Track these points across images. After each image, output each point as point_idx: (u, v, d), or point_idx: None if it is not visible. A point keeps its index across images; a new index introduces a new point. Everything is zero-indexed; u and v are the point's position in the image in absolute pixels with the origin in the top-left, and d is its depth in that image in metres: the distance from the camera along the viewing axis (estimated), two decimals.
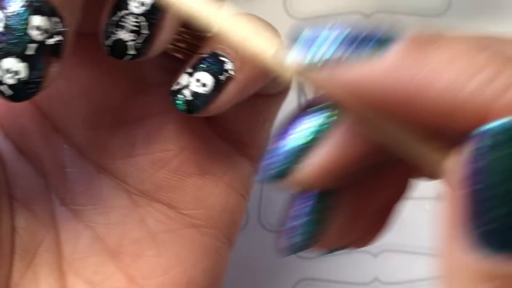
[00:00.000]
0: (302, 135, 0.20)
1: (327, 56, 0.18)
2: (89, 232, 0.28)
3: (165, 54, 0.26)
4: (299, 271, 0.36)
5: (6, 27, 0.22)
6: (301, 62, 0.18)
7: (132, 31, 0.24)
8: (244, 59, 0.26)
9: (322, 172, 0.21)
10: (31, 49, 0.22)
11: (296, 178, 0.21)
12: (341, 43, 0.18)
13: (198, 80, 0.26)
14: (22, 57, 0.22)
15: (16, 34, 0.22)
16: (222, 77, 0.26)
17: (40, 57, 0.22)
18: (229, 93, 0.26)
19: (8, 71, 0.22)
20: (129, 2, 0.24)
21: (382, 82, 0.17)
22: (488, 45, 0.17)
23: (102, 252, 0.28)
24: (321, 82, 0.18)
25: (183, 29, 0.27)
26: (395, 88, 0.17)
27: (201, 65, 0.26)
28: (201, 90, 0.26)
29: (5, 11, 0.22)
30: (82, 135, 0.28)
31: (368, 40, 0.18)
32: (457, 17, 0.41)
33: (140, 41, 0.25)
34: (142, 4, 0.24)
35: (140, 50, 0.25)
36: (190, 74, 0.26)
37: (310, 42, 0.18)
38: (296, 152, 0.21)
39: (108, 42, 0.25)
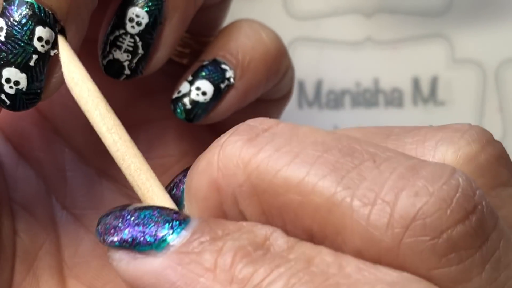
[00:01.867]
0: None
1: (118, 240, 0.19)
2: (90, 237, 0.28)
3: (169, 59, 0.26)
4: None
5: (8, 36, 0.21)
6: (101, 240, 0.20)
7: (128, 51, 0.24)
8: (245, 67, 0.26)
9: None
10: (33, 60, 0.22)
11: None
12: (133, 227, 0.19)
13: (198, 88, 0.26)
14: (23, 68, 0.22)
15: (19, 45, 0.21)
16: (222, 85, 0.26)
17: (42, 69, 0.22)
18: (229, 101, 0.26)
19: (8, 80, 0.22)
20: (125, 22, 0.24)
21: (152, 282, 0.18)
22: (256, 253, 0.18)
23: (103, 256, 0.28)
24: (112, 264, 0.20)
25: (186, 35, 0.27)
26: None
27: (202, 73, 0.26)
28: (201, 98, 0.26)
29: (7, 20, 0.22)
30: (83, 139, 0.28)
31: (156, 226, 0.19)
32: (457, 17, 0.41)
33: (136, 61, 0.25)
34: (138, 24, 0.24)
35: (136, 70, 0.25)
36: (191, 82, 0.26)
37: (111, 220, 0.20)
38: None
39: (105, 61, 0.25)
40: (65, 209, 0.28)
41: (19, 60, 0.22)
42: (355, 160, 0.18)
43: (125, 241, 0.19)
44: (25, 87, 0.22)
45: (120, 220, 0.20)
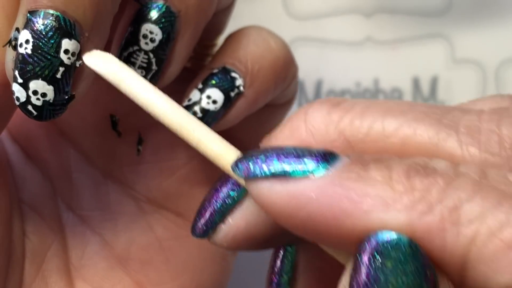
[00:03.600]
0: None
1: (269, 170, 0.19)
2: (96, 238, 0.28)
3: None
4: None
5: (35, 49, 0.21)
6: (247, 174, 0.19)
7: (142, 67, 0.25)
8: (254, 75, 0.26)
9: (237, 235, 0.22)
10: (59, 73, 0.22)
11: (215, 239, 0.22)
12: (285, 158, 0.19)
13: (209, 97, 0.26)
14: (50, 81, 0.22)
15: (46, 58, 0.21)
16: (232, 94, 0.26)
17: (68, 80, 0.22)
18: (239, 109, 0.26)
19: (35, 92, 0.22)
20: (139, 38, 0.24)
21: (311, 201, 0.18)
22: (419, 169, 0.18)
23: (110, 258, 0.28)
24: (261, 194, 0.19)
25: None
26: (320, 209, 0.18)
27: (212, 81, 0.26)
28: (211, 107, 0.26)
29: (33, 32, 0.21)
30: (89, 141, 0.28)
31: (310, 156, 0.19)
32: (457, 17, 0.41)
33: (149, 77, 0.25)
34: (152, 40, 0.24)
35: None
36: (201, 90, 0.26)
37: (257, 155, 0.19)
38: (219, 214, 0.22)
39: None
40: (71, 211, 0.28)
41: (46, 72, 0.21)
42: (443, 110, 0.19)
43: (279, 169, 0.19)
44: (52, 99, 0.22)
45: (270, 153, 0.19)
